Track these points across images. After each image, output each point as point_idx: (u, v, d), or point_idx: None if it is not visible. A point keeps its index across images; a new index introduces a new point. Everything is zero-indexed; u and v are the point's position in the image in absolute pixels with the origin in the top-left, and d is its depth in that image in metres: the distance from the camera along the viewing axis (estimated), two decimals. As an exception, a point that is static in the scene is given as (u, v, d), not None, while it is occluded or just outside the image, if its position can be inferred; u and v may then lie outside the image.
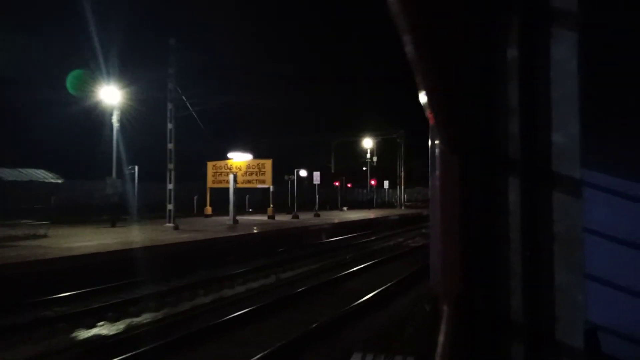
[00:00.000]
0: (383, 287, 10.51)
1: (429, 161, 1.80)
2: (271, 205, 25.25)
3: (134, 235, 16.29)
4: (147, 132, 22.04)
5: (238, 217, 24.41)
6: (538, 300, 1.27)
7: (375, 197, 55.96)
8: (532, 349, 1.27)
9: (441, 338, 1.25)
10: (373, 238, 22.21)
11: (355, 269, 13.43)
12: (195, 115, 18.94)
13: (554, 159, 1.27)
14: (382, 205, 53.44)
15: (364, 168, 51.44)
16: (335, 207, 39.67)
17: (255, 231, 18.56)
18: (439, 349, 1.22)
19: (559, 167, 1.26)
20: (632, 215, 2.13)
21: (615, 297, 2.11)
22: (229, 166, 25.55)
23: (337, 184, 50.71)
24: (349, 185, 60.95)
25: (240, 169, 25.18)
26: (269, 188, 24.86)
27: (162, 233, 16.98)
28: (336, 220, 25.16)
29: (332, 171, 52.09)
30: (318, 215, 28.06)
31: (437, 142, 1.55)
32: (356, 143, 49.70)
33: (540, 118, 1.28)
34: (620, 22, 2.13)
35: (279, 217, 26.06)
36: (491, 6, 1.29)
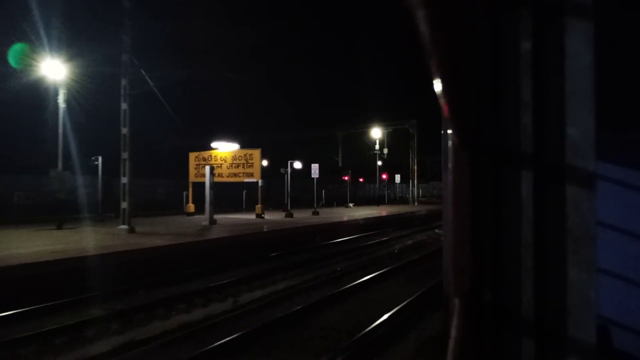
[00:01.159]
0: (374, 325, 7.23)
1: (442, 154, 1.76)
2: (259, 203, 21.99)
3: (72, 240, 13.27)
4: (112, 118, 19.01)
5: (224, 216, 21.57)
6: (549, 296, 1.29)
7: (387, 192, 52.63)
8: (544, 344, 1.29)
9: (453, 332, 1.27)
10: (375, 241, 19.04)
11: (344, 288, 10.16)
12: (157, 92, 15.83)
13: (568, 153, 1.28)
14: (394, 201, 50.07)
15: (379, 163, 48.30)
16: (344, 203, 36.50)
17: (231, 234, 15.42)
18: (451, 344, 1.24)
19: (573, 161, 1.28)
20: None
21: (628, 292, 2.06)
22: (212, 157, 22.40)
23: (346, 178, 47.51)
24: (360, 180, 57.70)
25: (225, 161, 22.20)
26: (257, 182, 21.61)
27: (111, 238, 13.94)
28: (337, 220, 22.00)
29: (340, 165, 48.68)
30: (317, 214, 24.99)
31: (449, 132, 1.51)
32: (365, 135, 46.38)
33: (554, 112, 1.30)
34: (636, 15, 2.12)
35: (271, 216, 23.03)
36: None
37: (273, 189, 36.20)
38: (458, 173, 1.36)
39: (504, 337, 1.32)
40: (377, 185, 55.68)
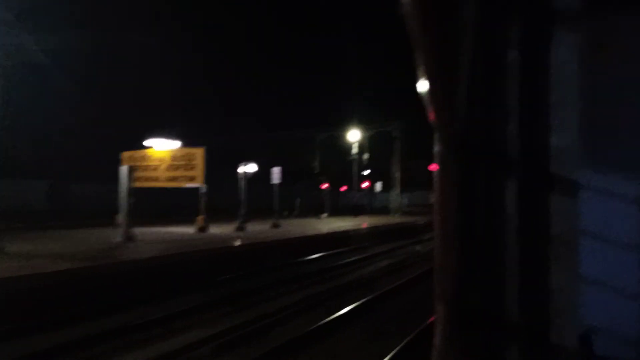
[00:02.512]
0: None
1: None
2: (201, 215, 18.03)
3: None
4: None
5: (159, 229, 18.05)
6: (533, 303, 1.33)
7: (372, 201, 49.02)
8: (527, 351, 1.33)
9: (437, 340, 1.30)
10: (339, 263, 15.20)
11: (260, 354, 6.18)
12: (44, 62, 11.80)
13: (553, 161, 1.33)
14: (376, 211, 46.29)
15: (366, 171, 44.62)
16: (322, 213, 33.15)
17: (142, 257, 11.59)
18: (435, 351, 1.29)
19: (557, 169, 1.32)
20: (625, 217, 2.16)
21: (608, 299, 2.14)
22: (148, 158, 18.45)
23: (324, 186, 43.94)
24: (343, 188, 54.26)
25: (162, 162, 18.26)
26: (198, 188, 17.68)
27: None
28: (299, 234, 18.26)
29: (317, 171, 44.87)
30: (277, 226, 21.09)
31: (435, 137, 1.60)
32: (346, 139, 42.50)
33: (540, 120, 1.35)
34: (621, 25, 2.17)
35: (221, 229, 18.98)
36: (492, 7, 1.36)
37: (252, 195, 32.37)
38: (444, 179, 1.39)
39: (487, 343, 1.34)
40: (358, 194, 51.86)
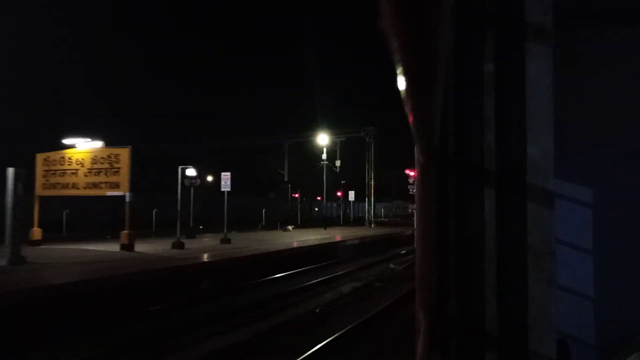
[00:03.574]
0: None
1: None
2: (127, 229, 14.82)
3: None
4: None
5: (77, 247, 14.87)
6: (512, 310, 1.34)
7: (347, 211, 46.49)
8: (506, 358, 1.34)
9: (419, 349, 1.32)
10: (293, 288, 13.07)
11: None
12: None
13: (528, 171, 1.35)
14: (350, 222, 43.57)
15: (342, 182, 42.45)
16: (294, 224, 30.71)
17: (27, 287, 8.63)
18: (417, 358, 1.31)
19: (533, 179, 1.35)
20: (598, 227, 2.20)
21: (583, 308, 2.15)
22: (66, 160, 15.29)
23: (296, 195, 41.36)
24: (318, 198, 52.15)
25: (82, 164, 14.98)
26: (124, 197, 14.53)
27: None
28: (251, 252, 15.39)
29: (285, 179, 42.08)
30: (227, 242, 17.92)
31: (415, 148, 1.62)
32: (318, 147, 39.88)
33: (515, 131, 1.37)
34: (594, 38, 2.18)
35: (153, 246, 15.90)
36: (467, 21, 1.39)
37: (214, 209, 29.67)
38: (423, 189, 1.40)
39: (468, 351, 1.34)
40: (330, 204, 49.04)
